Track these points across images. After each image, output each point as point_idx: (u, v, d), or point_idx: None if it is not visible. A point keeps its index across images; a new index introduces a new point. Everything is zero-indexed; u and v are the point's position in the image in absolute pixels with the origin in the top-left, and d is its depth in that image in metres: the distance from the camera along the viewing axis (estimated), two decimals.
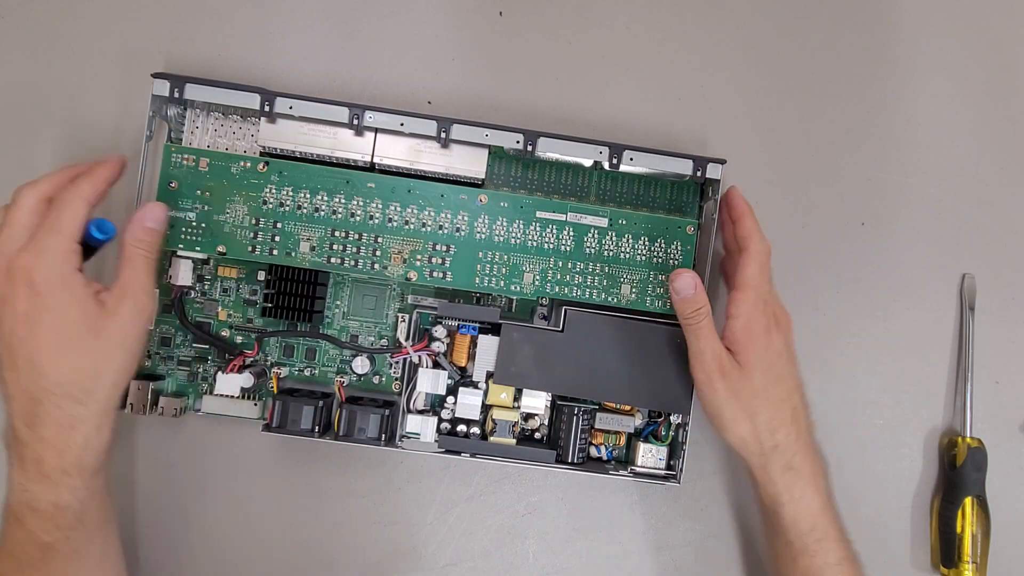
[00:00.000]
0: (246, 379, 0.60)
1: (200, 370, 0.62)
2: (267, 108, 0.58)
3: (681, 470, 0.61)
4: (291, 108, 0.59)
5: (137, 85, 0.64)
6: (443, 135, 0.59)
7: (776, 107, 0.67)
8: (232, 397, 0.60)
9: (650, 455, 0.62)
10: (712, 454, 0.65)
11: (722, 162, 0.60)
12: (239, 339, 0.62)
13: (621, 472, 0.61)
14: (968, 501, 0.63)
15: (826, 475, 0.57)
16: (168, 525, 0.63)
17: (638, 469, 0.62)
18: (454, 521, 0.65)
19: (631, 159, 0.59)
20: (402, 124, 0.59)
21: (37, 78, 0.64)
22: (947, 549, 0.63)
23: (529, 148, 0.59)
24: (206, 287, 0.62)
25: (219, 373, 0.60)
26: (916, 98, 0.67)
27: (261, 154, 0.61)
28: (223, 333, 0.62)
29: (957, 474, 0.63)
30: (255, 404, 0.61)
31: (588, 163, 0.63)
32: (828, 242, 0.67)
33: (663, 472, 0.62)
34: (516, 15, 0.67)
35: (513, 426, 0.61)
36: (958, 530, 0.62)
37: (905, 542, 0.66)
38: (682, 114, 0.67)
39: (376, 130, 0.60)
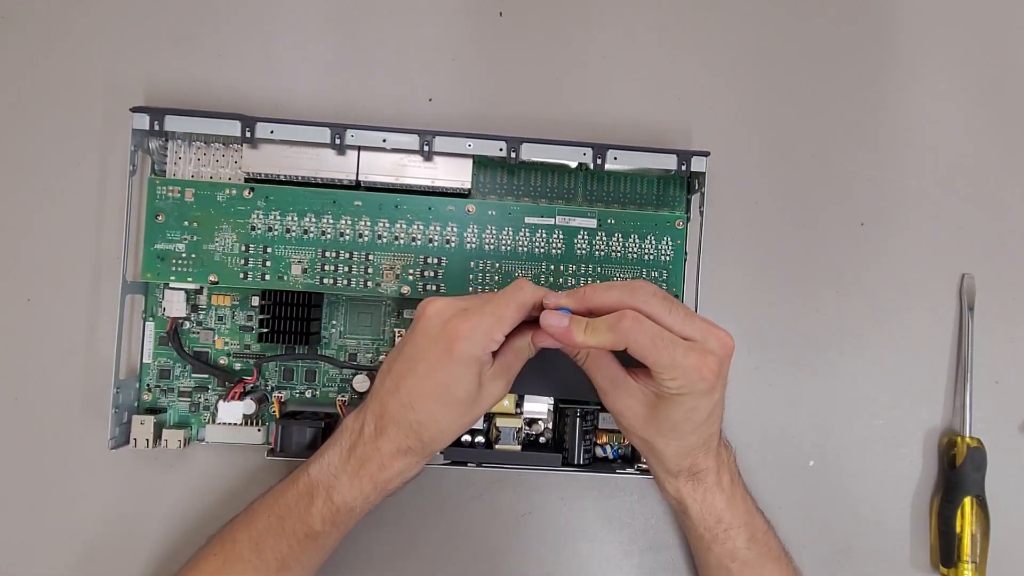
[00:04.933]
0: (247, 406, 0.60)
1: (201, 400, 0.62)
2: (248, 134, 0.58)
3: None
4: (272, 132, 0.58)
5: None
6: (426, 148, 0.59)
7: (776, 107, 0.66)
8: (235, 425, 0.61)
9: None
10: None
11: (705, 154, 0.59)
12: (238, 366, 0.63)
13: (628, 470, 0.62)
14: (967, 501, 0.63)
15: (730, 465, 0.56)
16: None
17: (644, 465, 0.62)
18: (455, 522, 0.65)
19: (615, 158, 0.60)
20: (384, 140, 0.59)
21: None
22: (946, 549, 0.64)
23: (512, 155, 0.59)
24: (201, 316, 0.62)
25: (220, 402, 0.60)
26: (916, 98, 0.66)
27: (246, 181, 0.61)
28: (221, 361, 0.62)
29: (956, 474, 0.64)
30: (259, 430, 0.61)
31: (573, 164, 0.62)
32: (828, 242, 0.66)
33: None
34: (516, 15, 0.66)
35: (517, 432, 0.61)
36: (957, 530, 0.63)
37: (905, 542, 0.66)
38: (683, 114, 0.66)
39: (359, 148, 0.60)
